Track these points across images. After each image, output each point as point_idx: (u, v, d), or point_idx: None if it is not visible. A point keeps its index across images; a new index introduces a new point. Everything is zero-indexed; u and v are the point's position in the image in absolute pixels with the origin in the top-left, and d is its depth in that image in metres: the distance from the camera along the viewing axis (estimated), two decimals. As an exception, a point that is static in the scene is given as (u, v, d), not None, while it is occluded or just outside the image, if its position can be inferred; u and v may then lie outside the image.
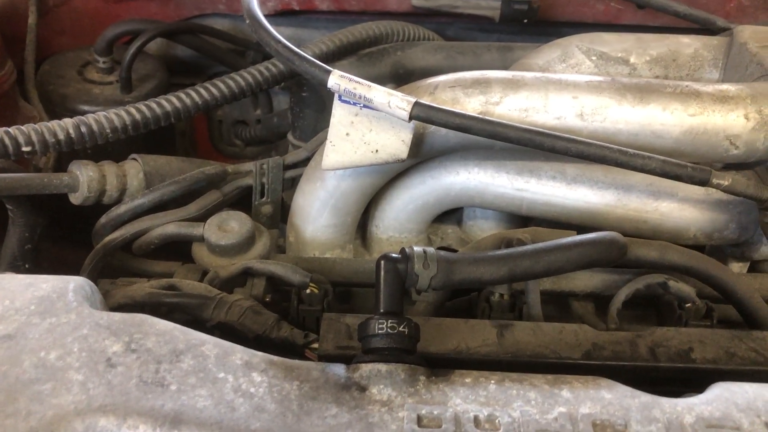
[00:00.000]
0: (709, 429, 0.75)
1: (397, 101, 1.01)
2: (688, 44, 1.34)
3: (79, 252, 1.43)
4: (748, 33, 1.28)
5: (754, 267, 1.30)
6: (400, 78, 1.49)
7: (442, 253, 0.90)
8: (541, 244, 0.94)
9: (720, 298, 1.10)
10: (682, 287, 1.08)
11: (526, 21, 1.62)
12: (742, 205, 1.18)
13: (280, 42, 1.07)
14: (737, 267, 1.29)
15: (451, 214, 1.47)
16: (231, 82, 1.33)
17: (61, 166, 1.45)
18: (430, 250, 0.90)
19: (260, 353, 0.82)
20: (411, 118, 1.02)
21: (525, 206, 1.27)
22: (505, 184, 1.26)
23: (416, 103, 1.01)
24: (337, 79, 1.02)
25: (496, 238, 1.12)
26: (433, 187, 1.29)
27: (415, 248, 0.89)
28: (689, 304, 1.08)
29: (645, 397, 0.79)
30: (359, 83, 1.02)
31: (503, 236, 1.12)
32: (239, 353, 0.81)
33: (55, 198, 1.25)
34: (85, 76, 1.68)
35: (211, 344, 0.82)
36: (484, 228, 1.45)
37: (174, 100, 1.25)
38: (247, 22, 1.13)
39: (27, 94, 1.64)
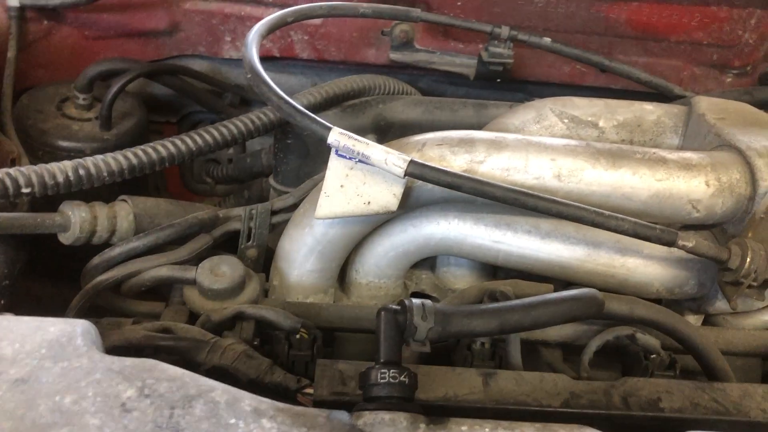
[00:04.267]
0: (684, 476, 0.82)
1: (393, 159, 1.07)
2: (651, 111, 1.45)
3: (54, 289, 1.44)
4: (705, 104, 1.39)
5: (708, 320, 1.40)
6: (380, 129, 1.56)
7: (439, 306, 0.96)
8: (528, 300, 1.00)
9: (680, 349, 1.19)
10: (649, 339, 1.16)
11: (499, 80, 1.71)
12: (701, 263, 1.27)
13: (282, 98, 1.12)
14: (693, 319, 1.38)
15: (425, 261, 1.53)
16: (225, 130, 1.37)
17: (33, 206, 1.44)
18: (428, 302, 0.95)
19: (267, 400, 0.86)
20: (406, 174, 1.08)
21: (501, 257, 1.34)
22: (482, 235, 1.33)
23: (411, 161, 1.07)
24: (337, 136, 1.08)
25: (479, 289, 1.19)
26: (414, 236, 1.35)
27: (414, 301, 0.94)
28: (654, 356, 1.16)
29: (624, 445, 0.86)
30: (357, 140, 1.08)
31: (485, 288, 1.19)
32: (247, 399, 0.84)
33: (38, 235, 1.26)
34: (64, 112, 1.68)
35: (220, 390, 0.85)
36: (457, 275, 1.51)
37: (169, 145, 1.28)
38: (248, 76, 1.18)
39: (3, 127, 1.63)
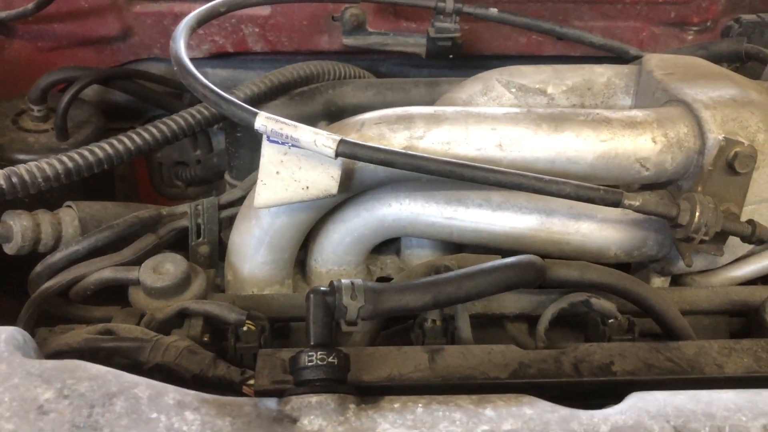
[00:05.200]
0: (623, 437, 0.80)
1: (322, 140, 1.05)
2: (601, 73, 1.42)
3: (11, 302, 1.42)
4: (654, 61, 1.36)
5: (676, 280, 1.37)
6: (332, 116, 1.54)
7: (369, 284, 0.94)
8: (463, 270, 0.98)
9: (641, 312, 1.16)
10: (604, 304, 1.13)
11: (451, 56, 1.68)
12: (657, 223, 1.24)
13: (206, 86, 1.10)
14: (659, 281, 1.35)
15: (389, 244, 1.51)
16: (164, 127, 1.35)
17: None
18: (358, 281, 0.93)
19: (193, 392, 0.84)
20: (337, 155, 1.06)
21: (455, 234, 1.32)
22: (435, 213, 1.30)
23: (341, 141, 1.05)
24: (264, 121, 1.06)
25: (426, 266, 1.17)
26: (368, 220, 1.33)
27: (343, 281, 0.92)
28: (611, 320, 1.13)
29: (564, 411, 0.84)
30: (285, 124, 1.06)
31: (432, 264, 1.16)
32: (172, 393, 0.83)
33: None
34: (20, 125, 1.68)
35: (143, 386, 0.83)
36: (421, 257, 1.49)
37: (106, 146, 1.27)
38: (175, 67, 1.16)
39: (-40, 145, 1.63)
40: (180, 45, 1.19)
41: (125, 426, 0.77)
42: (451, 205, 1.30)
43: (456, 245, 1.46)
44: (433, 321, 1.13)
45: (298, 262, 1.43)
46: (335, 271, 1.40)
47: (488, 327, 1.27)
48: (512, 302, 1.21)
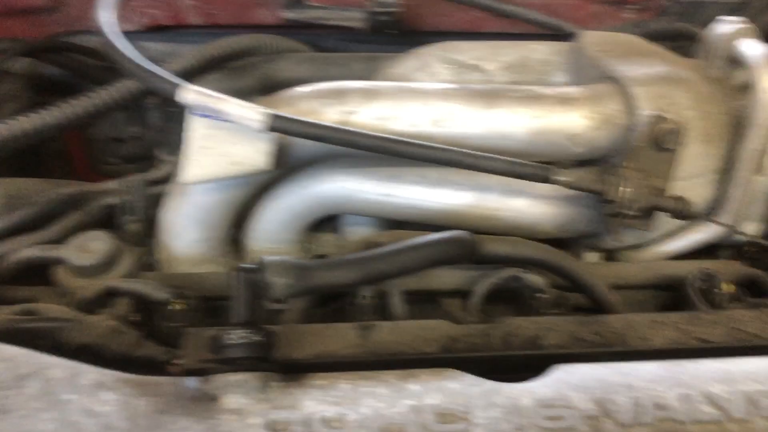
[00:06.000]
0: (544, 409, 0.81)
1: (251, 113, 1.03)
2: (537, 50, 1.42)
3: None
4: (588, 38, 1.37)
5: (608, 256, 1.39)
6: (269, 90, 1.49)
7: (297, 261, 0.93)
8: (393, 246, 0.98)
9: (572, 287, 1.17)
10: (534, 279, 1.15)
11: (392, 31, 1.66)
12: (589, 199, 1.26)
13: (128, 58, 1.07)
14: (591, 257, 1.37)
15: (328, 222, 1.49)
16: (90, 100, 1.30)
17: None
18: (285, 258, 0.92)
19: (112, 372, 0.82)
20: (266, 129, 1.03)
21: (392, 211, 1.31)
22: (371, 190, 1.29)
23: (270, 114, 1.03)
24: (189, 94, 1.03)
25: (360, 243, 1.16)
26: (303, 196, 1.31)
27: (270, 258, 0.91)
28: (542, 294, 1.14)
29: (488, 384, 0.84)
30: (212, 96, 1.03)
31: (366, 241, 1.16)
32: (89, 373, 0.81)
33: None
34: (-57, 102, 1.61)
35: (59, 367, 0.81)
36: (360, 234, 1.48)
37: (24, 120, 1.21)
38: (100, 38, 1.12)
39: None
40: (105, 14, 1.14)
41: (36, 408, 0.75)
42: (388, 181, 1.29)
43: (397, 223, 1.45)
44: (366, 297, 1.13)
45: (233, 241, 1.41)
46: (270, 249, 1.38)
47: (424, 303, 1.27)
48: (447, 278, 1.22)
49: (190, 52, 1.44)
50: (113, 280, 1.11)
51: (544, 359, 1.00)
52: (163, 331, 1.10)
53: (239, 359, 0.83)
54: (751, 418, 0.81)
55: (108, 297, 1.12)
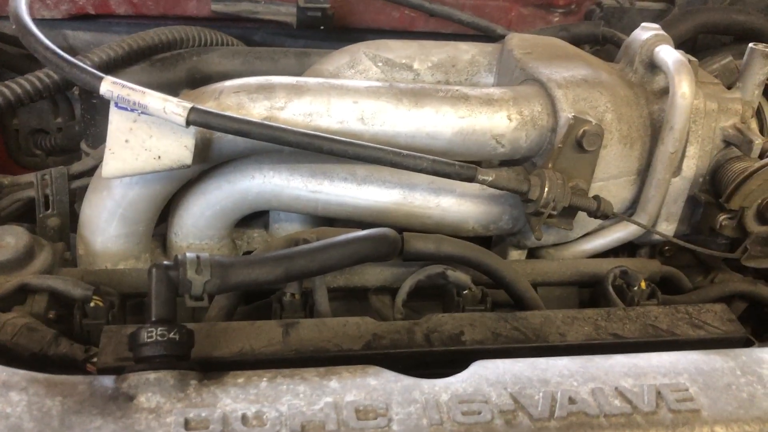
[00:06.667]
0: (461, 404, 0.82)
1: (172, 107, 1.01)
2: (466, 50, 1.44)
3: None
4: (515, 41, 1.40)
5: (532, 254, 1.42)
6: (197, 83, 1.47)
7: (217, 257, 0.91)
8: (316, 243, 0.98)
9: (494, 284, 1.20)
10: (459, 276, 1.16)
11: (322, 27, 1.66)
12: (512, 198, 1.29)
13: (48, 48, 1.03)
14: (516, 254, 1.40)
15: (257, 218, 1.48)
16: (7, 89, 1.25)
17: None
18: (204, 255, 0.91)
19: (21, 371, 0.80)
20: (188, 123, 1.02)
21: (320, 207, 1.31)
22: (299, 186, 1.29)
23: (192, 108, 1.01)
24: (110, 86, 1.01)
25: (285, 239, 1.15)
26: (230, 192, 1.30)
27: (188, 255, 0.90)
28: (466, 291, 1.16)
29: (407, 381, 0.85)
30: (133, 89, 1.01)
31: (292, 238, 1.15)
32: (-2, 374, 0.78)
33: None
34: None
35: (-36, 367, 0.78)
36: (289, 230, 1.47)
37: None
38: (14, 26, 1.08)
39: None
40: (20, 2, 1.10)
41: (-62, 411, 0.72)
42: (316, 178, 1.29)
43: (327, 220, 1.45)
44: (292, 295, 1.12)
45: (159, 237, 1.38)
46: (197, 245, 1.36)
47: (353, 300, 1.27)
48: (374, 275, 1.22)
49: (114, 42, 1.41)
50: (28, 276, 1.07)
51: (464, 355, 1.02)
52: (82, 329, 1.07)
53: (155, 357, 0.82)
54: (657, 410, 0.84)
55: (23, 294, 1.08)
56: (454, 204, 1.29)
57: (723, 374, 0.91)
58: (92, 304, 1.06)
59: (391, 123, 1.19)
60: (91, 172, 1.29)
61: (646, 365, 0.92)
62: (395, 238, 1.03)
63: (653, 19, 1.71)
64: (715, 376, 0.90)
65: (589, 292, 1.34)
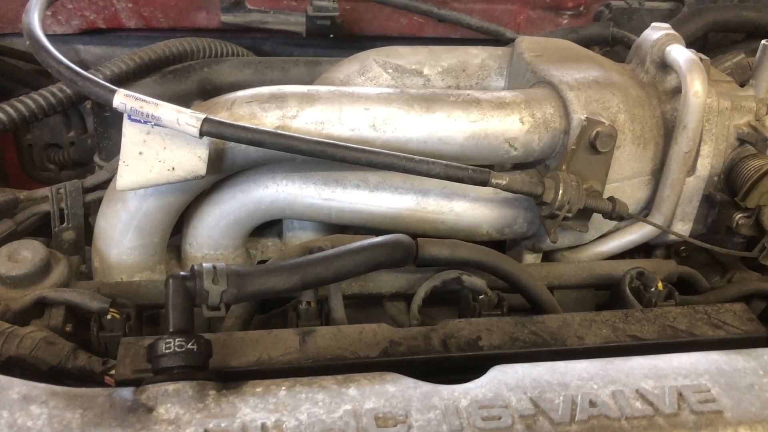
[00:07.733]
0: (481, 410, 0.82)
1: (186, 118, 1.01)
2: (476, 55, 1.44)
3: None
4: (525, 44, 1.39)
5: (547, 257, 1.42)
6: (208, 94, 1.48)
7: (233, 267, 0.92)
8: (331, 251, 0.98)
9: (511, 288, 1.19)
10: (475, 280, 1.16)
11: (332, 35, 1.66)
12: (526, 201, 1.28)
13: (61, 62, 1.04)
14: (531, 258, 1.39)
15: (271, 227, 1.48)
16: (22, 105, 1.26)
17: None
18: (221, 265, 0.91)
19: (43, 385, 0.80)
20: (202, 134, 1.02)
21: (333, 215, 1.31)
22: (312, 194, 1.29)
23: (206, 119, 1.02)
24: (123, 99, 1.01)
25: (300, 247, 1.15)
26: (244, 202, 1.30)
27: (204, 265, 0.90)
28: (482, 296, 1.16)
29: (426, 387, 0.85)
30: (146, 101, 1.02)
31: (306, 245, 1.15)
32: (17, 387, 0.78)
33: None
34: None
35: (-15, 382, 0.78)
36: (303, 239, 1.47)
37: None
38: (27, 42, 1.09)
39: None
40: (33, 17, 1.11)
41: (-40, 425, 0.72)
42: (329, 186, 1.29)
43: (340, 227, 1.45)
44: (308, 303, 1.12)
45: (173, 247, 1.38)
46: (211, 255, 1.37)
47: (368, 307, 1.27)
48: (388, 281, 1.22)
49: (126, 56, 1.42)
50: (45, 290, 1.08)
51: (482, 360, 1.01)
52: (99, 342, 1.08)
53: (174, 368, 0.82)
54: (679, 412, 0.83)
55: (40, 307, 1.09)
56: (468, 209, 1.28)
57: (745, 374, 0.90)
58: (109, 317, 1.07)
59: (403, 129, 1.19)
60: (104, 184, 1.29)
61: (667, 366, 0.91)
62: (409, 244, 1.03)
63: (663, 19, 1.70)
64: (737, 377, 0.89)
65: (605, 294, 1.33)
